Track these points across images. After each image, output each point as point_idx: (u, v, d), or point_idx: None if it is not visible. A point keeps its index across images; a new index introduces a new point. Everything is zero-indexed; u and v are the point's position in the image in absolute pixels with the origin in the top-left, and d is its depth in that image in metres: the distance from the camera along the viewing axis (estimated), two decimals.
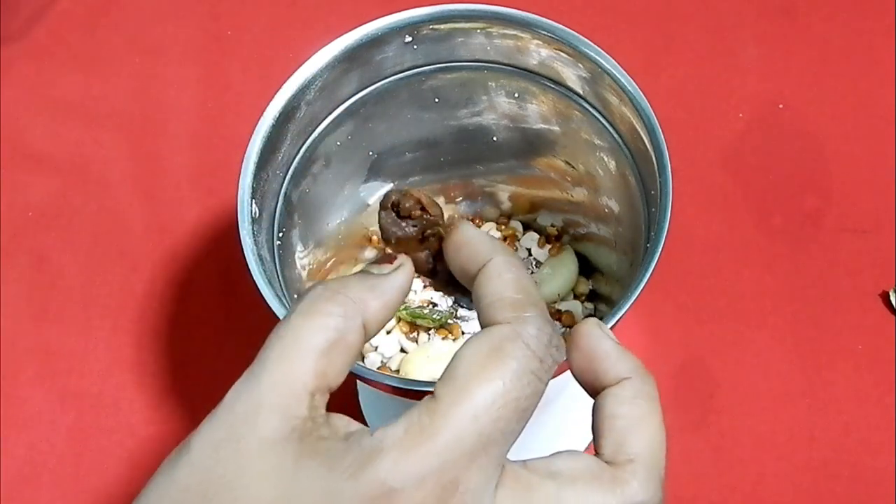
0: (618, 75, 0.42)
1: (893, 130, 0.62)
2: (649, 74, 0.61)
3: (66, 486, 0.54)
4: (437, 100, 0.48)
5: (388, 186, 0.52)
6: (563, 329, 0.52)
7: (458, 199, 0.55)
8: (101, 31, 0.68)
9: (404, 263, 0.29)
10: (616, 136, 0.44)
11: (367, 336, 0.27)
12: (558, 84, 0.45)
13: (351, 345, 0.26)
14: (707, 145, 0.62)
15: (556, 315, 0.52)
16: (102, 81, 0.66)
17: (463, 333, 0.52)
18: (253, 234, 0.40)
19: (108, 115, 0.65)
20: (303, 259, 0.47)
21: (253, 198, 0.41)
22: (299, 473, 0.24)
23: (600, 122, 0.45)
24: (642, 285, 0.38)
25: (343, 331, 0.26)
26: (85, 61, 0.67)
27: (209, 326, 0.58)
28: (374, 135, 0.48)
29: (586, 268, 0.54)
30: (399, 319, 0.52)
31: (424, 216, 0.30)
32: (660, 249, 0.38)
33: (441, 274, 0.33)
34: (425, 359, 0.50)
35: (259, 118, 0.42)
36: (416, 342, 0.52)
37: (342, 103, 0.46)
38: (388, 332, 0.52)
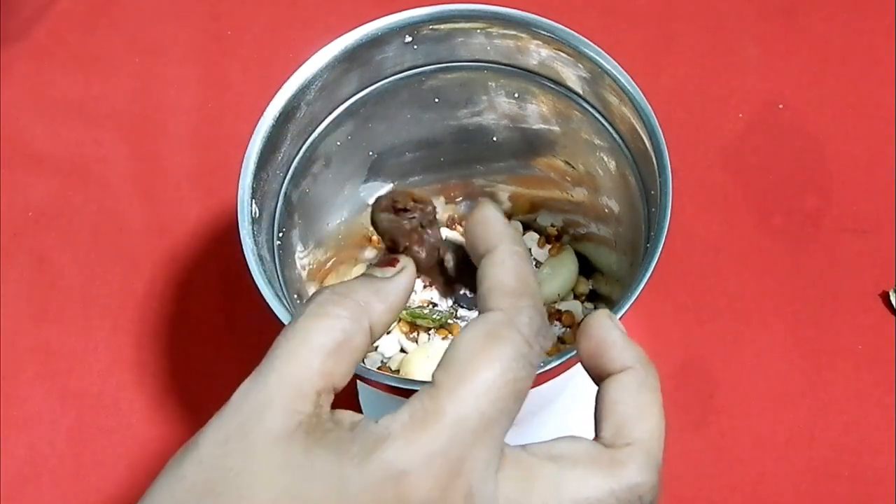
0: (618, 75, 0.42)
1: (893, 130, 0.62)
2: (649, 74, 0.61)
3: (66, 486, 0.54)
4: (437, 100, 0.48)
5: (388, 186, 0.52)
6: (563, 329, 0.52)
7: (458, 199, 0.55)
8: (101, 31, 0.68)
9: (406, 266, 0.30)
10: (616, 136, 0.44)
11: (373, 338, 0.28)
12: (558, 84, 0.45)
13: (357, 347, 0.27)
14: (707, 145, 0.62)
15: (556, 315, 0.52)
16: (102, 81, 0.66)
17: None
18: (253, 234, 0.40)
19: (108, 115, 0.65)
20: (303, 259, 0.47)
21: (253, 198, 0.41)
22: (308, 463, 0.24)
23: (600, 122, 0.45)
24: (642, 285, 0.38)
25: (350, 333, 0.27)
26: (85, 61, 0.67)
27: (209, 326, 0.58)
28: (374, 135, 0.48)
29: (586, 268, 0.54)
30: (399, 319, 0.52)
31: (419, 206, 0.31)
32: (660, 249, 0.39)
33: (443, 271, 0.33)
34: (425, 359, 0.50)
35: (259, 118, 0.42)
36: (416, 342, 0.52)
37: (342, 103, 0.46)
38: (389, 332, 0.52)
